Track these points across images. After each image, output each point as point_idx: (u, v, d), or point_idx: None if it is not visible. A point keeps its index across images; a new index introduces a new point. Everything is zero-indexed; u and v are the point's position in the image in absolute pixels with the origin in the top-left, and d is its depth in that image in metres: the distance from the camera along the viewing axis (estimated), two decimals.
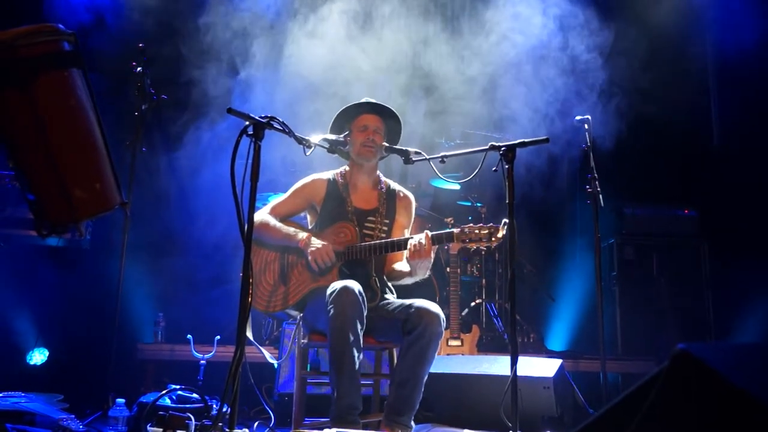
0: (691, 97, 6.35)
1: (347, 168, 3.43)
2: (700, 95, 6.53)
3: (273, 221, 3.25)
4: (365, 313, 2.91)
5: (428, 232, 3.01)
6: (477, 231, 2.95)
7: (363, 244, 3.16)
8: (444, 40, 6.17)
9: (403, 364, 2.97)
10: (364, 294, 2.92)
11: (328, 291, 2.91)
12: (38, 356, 4.55)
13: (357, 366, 2.83)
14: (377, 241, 3.17)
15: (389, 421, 2.92)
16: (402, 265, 3.33)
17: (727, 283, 5.56)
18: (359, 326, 2.85)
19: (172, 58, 5.29)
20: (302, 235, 3.17)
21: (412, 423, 2.97)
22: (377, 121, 3.34)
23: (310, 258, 3.09)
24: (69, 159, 2.09)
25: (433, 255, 3.05)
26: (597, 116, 5.02)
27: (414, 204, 3.50)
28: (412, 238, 3.04)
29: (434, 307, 3.00)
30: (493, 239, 2.93)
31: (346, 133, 3.30)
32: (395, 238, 3.18)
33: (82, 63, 2.18)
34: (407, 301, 3.07)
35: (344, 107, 3.37)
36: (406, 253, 3.10)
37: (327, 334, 2.88)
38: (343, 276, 3.10)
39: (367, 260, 3.20)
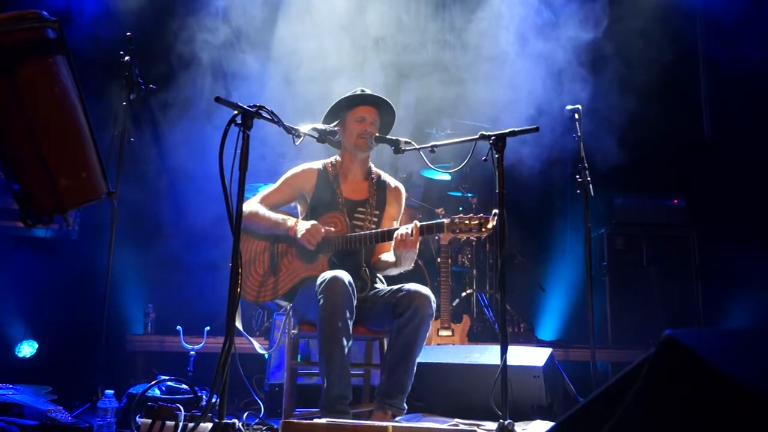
0: (682, 87, 6.36)
1: (338, 158, 3.41)
2: (691, 85, 6.53)
3: (262, 210, 3.24)
4: (355, 303, 2.91)
5: (417, 222, 3.00)
6: (467, 221, 2.93)
7: (350, 234, 3.14)
8: (435, 29, 6.16)
9: (395, 347, 2.97)
10: (353, 284, 2.91)
11: (318, 281, 2.90)
12: (27, 348, 4.53)
13: (346, 356, 2.83)
14: (364, 232, 3.15)
15: (381, 404, 2.92)
16: (388, 256, 3.32)
17: (716, 272, 5.59)
18: (348, 316, 2.85)
19: (160, 45, 5.26)
20: (291, 221, 3.16)
21: (405, 405, 2.97)
22: (373, 112, 3.32)
23: (302, 240, 3.07)
24: (54, 147, 2.07)
25: (417, 246, 3.04)
26: (587, 106, 5.02)
27: (404, 195, 3.49)
28: (398, 228, 3.02)
29: (424, 289, 3.01)
30: (483, 230, 2.92)
31: (337, 122, 3.28)
32: (383, 229, 3.17)
33: (66, 50, 2.15)
34: (397, 286, 3.07)
35: (341, 98, 3.33)
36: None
37: (316, 324, 2.88)
38: (332, 266, 3.09)
39: (357, 250, 3.19)
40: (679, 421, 0.99)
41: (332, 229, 3.13)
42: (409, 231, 2.96)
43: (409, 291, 3.00)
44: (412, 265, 3.19)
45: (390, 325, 3.04)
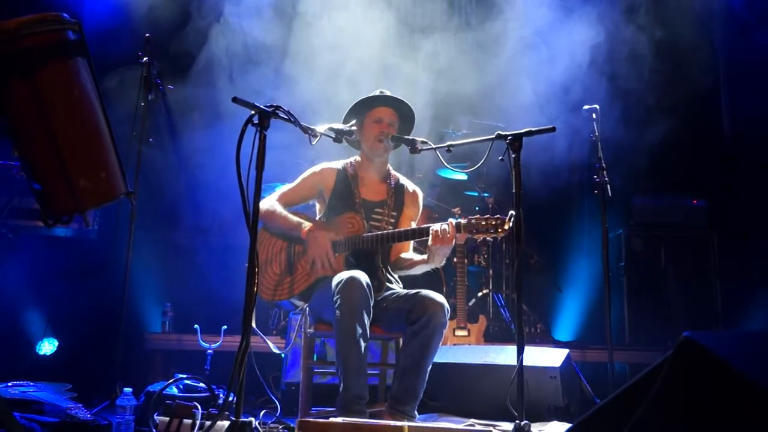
0: (701, 86, 6.30)
1: (358, 158, 3.41)
2: (711, 84, 6.46)
3: (279, 209, 3.25)
4: (372, 304, 2.90)
5: (452, 220, 2.98)
6: (484, 222, 2.91)
7: (375, 233, 3.12)
8: (452, 28, 6.14)
9: (407, 354, 2.96)
10: (371, 284, 2.91)
11: (334, 282, 2.90)
12: (47, 346, 4.58)
13: (364, 356, 2.83)
14: (382, 232, 3.14)
15: (392, 410, 2.92)
16: (410, 254, 3.30)
17: (735, 273, 5.53)
18: (366, 317, 2.85)
19: (178, 46, 5.31)
20: (306, 225, 3.16)
21: (416, 412, 2.97)
22: (392, 114, 3.31)
23: (309, 255, 3.09)
24: (73, 148, 2.09)
25: (454, 243, 3.02)
26: (605, 106, 4.98)
27: (422, 198, 3.49)
28: (432, 225, 2.99)
29: (439, 297, 2.99)
30: (499, 231, 2.89)
31: (353, 122, 3.26)
32: (413, 227, 3.14)
33: (86, 52, 2.17)
34: (412, 291, 3.06)
35: (360, 99, 3.32)
36: (413, 243, 3.07)
37: (333, 325, 2.88)
38: (349, 266, 3.09)
39: (374, 251, 3.18)
40: (698, 423, 0.98)
41: (341, 239, 3.13)
42: (447, 228, 2.94)
43: (423, 298, 2.98)
44: (444, 262, 3.17)
45: (404, 330, 3.04)
